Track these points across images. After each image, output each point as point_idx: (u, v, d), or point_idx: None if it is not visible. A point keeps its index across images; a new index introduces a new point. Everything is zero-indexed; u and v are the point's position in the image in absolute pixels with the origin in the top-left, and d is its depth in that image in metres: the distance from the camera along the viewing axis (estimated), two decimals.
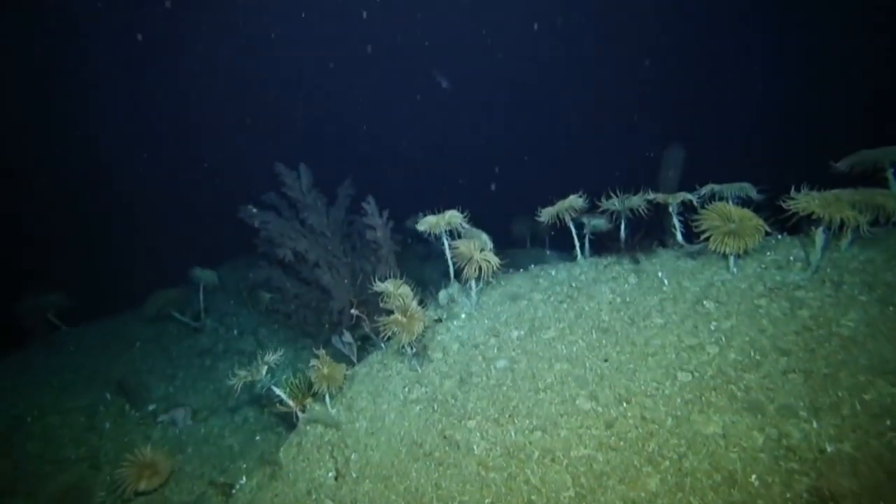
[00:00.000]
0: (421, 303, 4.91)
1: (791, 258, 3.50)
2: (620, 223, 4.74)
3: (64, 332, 7.31)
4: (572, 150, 11.80)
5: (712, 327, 3.26)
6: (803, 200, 3.06)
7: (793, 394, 2.58)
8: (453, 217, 4.34)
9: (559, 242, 10.03)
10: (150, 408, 4.97)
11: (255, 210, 5.56)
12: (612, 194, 4.95)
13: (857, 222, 2.83)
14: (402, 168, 14.59)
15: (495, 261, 4.00)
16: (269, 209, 6.53)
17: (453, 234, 4.66)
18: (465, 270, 3.96)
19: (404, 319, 3.53)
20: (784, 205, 3.11)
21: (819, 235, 3.06)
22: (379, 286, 4.10)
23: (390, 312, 3.66)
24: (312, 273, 5.10)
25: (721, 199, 4.12)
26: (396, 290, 4.07)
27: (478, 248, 4.06)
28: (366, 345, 5.62)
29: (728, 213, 3.44)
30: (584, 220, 5.18)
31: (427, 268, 7.30)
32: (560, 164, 11.97)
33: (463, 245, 4.03)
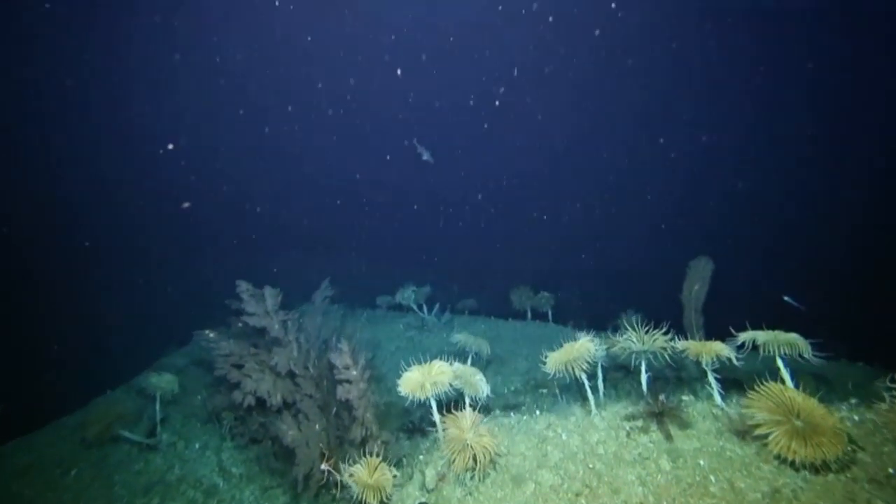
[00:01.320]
0: (399, 465, 4.08)
1: (891, 469, 2.66)
2: (641, 365, 3.99)
3: None
4: (584, 228, 11.20)
5: None
6: None
7: None
8: (440, 374, 3.56)
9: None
10: None
11: (211, 334, 4.77)
12: (630, 325, 4.24)
13: None
14: (400, 227, 13.99)
15: (492, 445, 3.20)
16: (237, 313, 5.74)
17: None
18: (457, 461, 3.15)
19: None
20: (876, 421, 2.35)
21: None
22: (349, 473, 3.28)
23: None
24: (275, 425, 4.27)
25: (767, 354, 3.39)
26: (371, 479, 3.24)
27: (471, 426, 3.26)
28: (341, 496, 4.73)
29: (789, 401, 2.68)
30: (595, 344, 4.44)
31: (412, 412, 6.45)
32: (571, 238, 11.31)
33: (454, 426, 3.24)
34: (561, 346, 4.06)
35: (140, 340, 8.89)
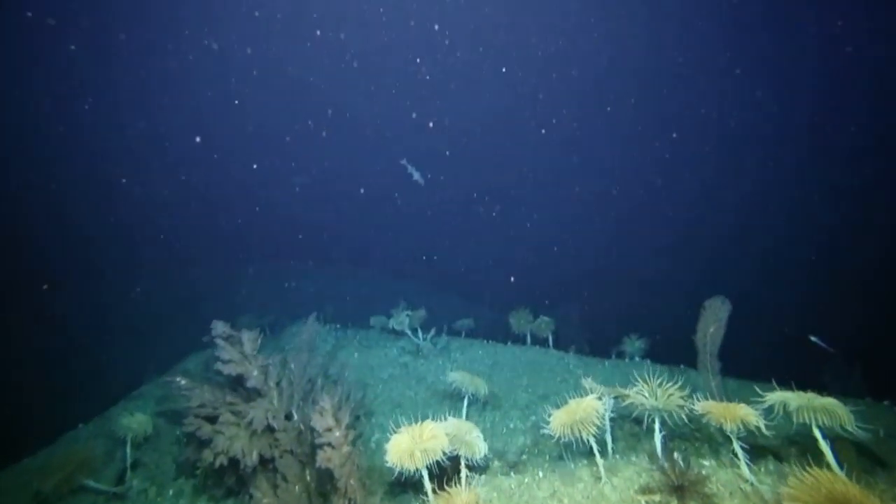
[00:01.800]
0: None
1: None
2: (654, 423, 3.59)
3: None
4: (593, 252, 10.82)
5: None
6: None
7: None
8: (432, 440, 3.15)
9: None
10: None
11: (182, 381, 4.35)
12: (642, 378, 3.85)
13: None
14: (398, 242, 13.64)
15: None
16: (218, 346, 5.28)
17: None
18: None
19: None
20: None
21: None
22: None
23: None
24: (251, 483, 3.85)
25: (799, 421, 3.00)
26: None
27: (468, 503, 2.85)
28: None
29: (842, 496, 2.27)
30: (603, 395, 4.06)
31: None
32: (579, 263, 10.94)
33: None
34: (566, 401, 3.67)
35: (117, 367, 8.41)
